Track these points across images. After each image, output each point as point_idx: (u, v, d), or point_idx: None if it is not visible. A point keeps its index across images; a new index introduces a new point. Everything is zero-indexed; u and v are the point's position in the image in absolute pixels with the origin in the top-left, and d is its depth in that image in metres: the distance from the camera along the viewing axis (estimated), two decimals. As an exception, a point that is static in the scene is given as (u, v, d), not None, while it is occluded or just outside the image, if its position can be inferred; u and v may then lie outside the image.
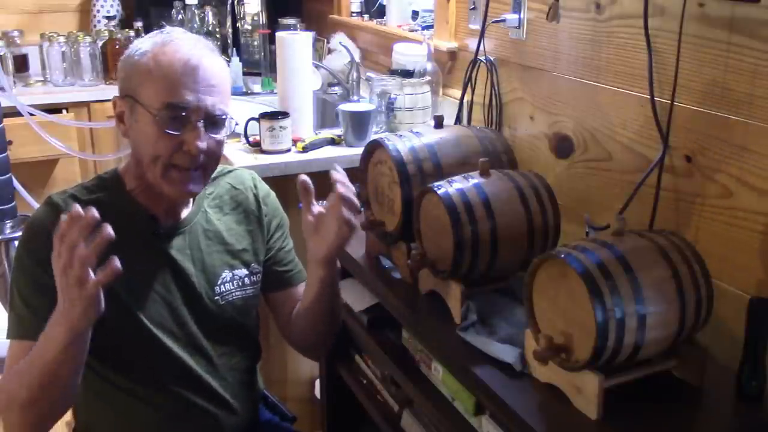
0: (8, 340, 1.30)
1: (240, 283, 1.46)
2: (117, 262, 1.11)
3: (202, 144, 1.29)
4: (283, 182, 1.94)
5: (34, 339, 1.24)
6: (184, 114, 1.28)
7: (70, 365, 1.20)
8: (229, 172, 1.52)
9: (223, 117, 1.33)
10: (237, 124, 1.38)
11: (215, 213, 1.46)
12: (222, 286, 1.43)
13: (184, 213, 1.42)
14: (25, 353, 1.25)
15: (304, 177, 1.34)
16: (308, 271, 1.45)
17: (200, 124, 1.28)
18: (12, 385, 1.24)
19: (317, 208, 1.36)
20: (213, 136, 1.32)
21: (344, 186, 1.31)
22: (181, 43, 1.32)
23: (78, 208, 1.09)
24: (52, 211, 1.32)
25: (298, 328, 1.52)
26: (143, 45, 1.32)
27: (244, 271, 1.46)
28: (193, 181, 1.32)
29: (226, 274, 1.44)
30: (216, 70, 1.32)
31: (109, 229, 1.09)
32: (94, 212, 1.08)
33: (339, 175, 1.32)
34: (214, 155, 1.34)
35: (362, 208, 1.37)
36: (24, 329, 1.28)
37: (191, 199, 1.43)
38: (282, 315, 1.55)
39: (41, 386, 1.21)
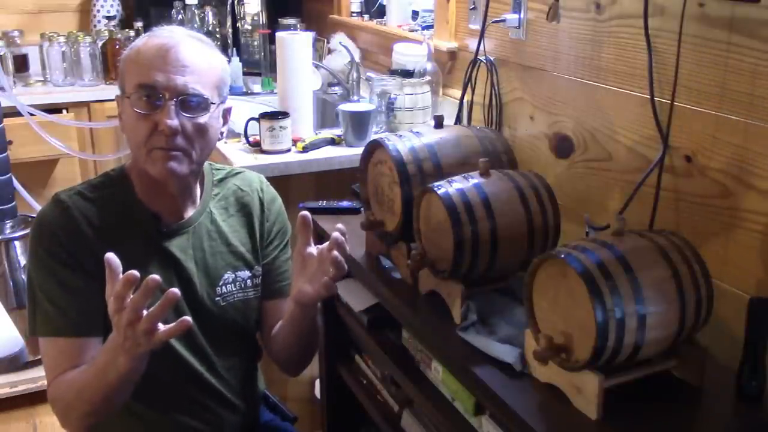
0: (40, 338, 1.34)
1: (242, 285, 1.46)
2: (189, 320, 1.11)
3: (172, 122, 1.26)
4: (283, 182, 1.94)
5: (69, 335, 1.29)
6: (155, 94, 1.27)
7: (131, 380, 1.23)
8: (237, 173, 1.52)
9: (199, 97, 1.29)
10: (213, 103, 1.32)
11: (221, 214, 1.46)
12: (223, 288, 1.43)
13: (189, 212, 1.41)
14: (62, 350, 1.30)
15: (306, 213, 1.31)
16: (287, 307, 1.44)
17: (171, 104, 1.27)
18: (69, 397, 1.28)
19: (311, 248, 1.33)
20: (189, 116, 1.29)
21: (342, 236, 1.28)
22: (164, 32, 1.32)
23: (135, 273, 1.07)
24: (59, 208, 1.33)
25: (275, 345, 1.51)
26: (135, 42, 1.34)
27: (246, 273, 1.46)
28: (174, 160, 1.29)
29: (229, 276, 1.44)
30: (192, 53, 1.30)
31: (176, 291, 1.09)
32: (156, 279, 1.08)
33: (339, 233, 1.29)
34: (194, 138, 1.30)
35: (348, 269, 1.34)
36: (56, 327, 1.31)
37: (197, 199, 1.43)
38: (265, 325, 1.53)
39: (105, 400, 1.25)
